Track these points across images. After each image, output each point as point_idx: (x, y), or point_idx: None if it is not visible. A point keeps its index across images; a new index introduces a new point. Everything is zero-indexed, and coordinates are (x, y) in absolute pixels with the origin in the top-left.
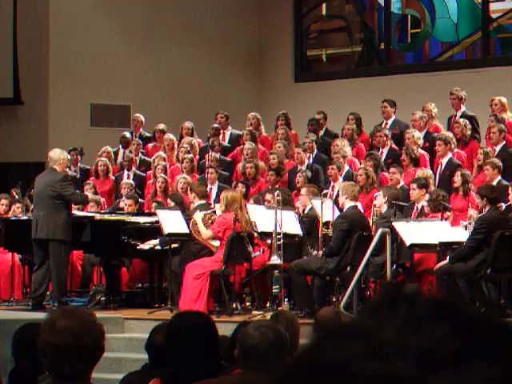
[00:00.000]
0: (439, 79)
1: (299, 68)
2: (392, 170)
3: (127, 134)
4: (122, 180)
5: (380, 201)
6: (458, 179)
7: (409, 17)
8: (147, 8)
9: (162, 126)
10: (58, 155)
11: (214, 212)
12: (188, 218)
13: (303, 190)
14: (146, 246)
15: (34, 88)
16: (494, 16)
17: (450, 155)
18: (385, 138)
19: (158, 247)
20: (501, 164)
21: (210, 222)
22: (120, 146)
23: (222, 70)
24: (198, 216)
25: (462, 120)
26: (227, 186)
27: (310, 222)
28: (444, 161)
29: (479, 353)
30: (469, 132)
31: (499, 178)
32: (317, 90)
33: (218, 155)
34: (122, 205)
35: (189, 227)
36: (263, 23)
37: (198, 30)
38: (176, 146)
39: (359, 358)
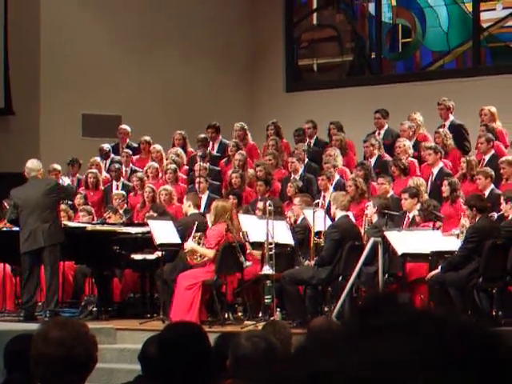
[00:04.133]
0: (430, 88)
1: (290, 77)
2: (380, 180)
3: (105, 147)
4: (112, 191)
5: (371, 210)
6: (445, 188)
7: (400, 26)
8: (139, 19)
9: (147, 138)
10: (36, 165)
11: (203, 231)
12: (178, 226)
13: (296, 200)
14: (137, 256)
15: (25, 98)
16: (484, 25)
17: (441, 164)
18: (371, 148)
19: (150, 257)
20: (493, 173)
21: (201, 241)
22: (99, 158)
23: (213, 79)
24: (192, 244)
25: (441, 130)
26: (217, 196)
27: (302, 231)
28: (435, 170)
29: (455, 361)
30: (449, 141)
31: (492, 186)
32: (308, 99)
33: (207, 165)
34: (105, 215)
35: (181, 239)
36: (254, 33)
37: (190, 40)
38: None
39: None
